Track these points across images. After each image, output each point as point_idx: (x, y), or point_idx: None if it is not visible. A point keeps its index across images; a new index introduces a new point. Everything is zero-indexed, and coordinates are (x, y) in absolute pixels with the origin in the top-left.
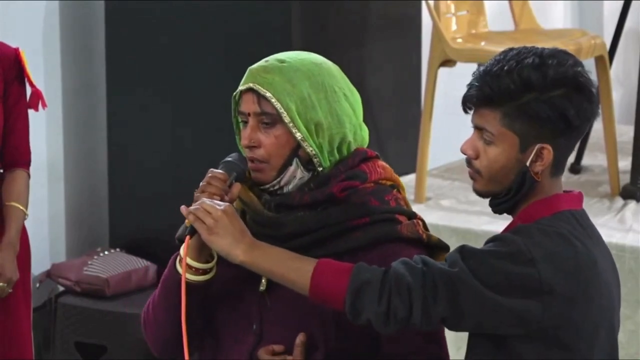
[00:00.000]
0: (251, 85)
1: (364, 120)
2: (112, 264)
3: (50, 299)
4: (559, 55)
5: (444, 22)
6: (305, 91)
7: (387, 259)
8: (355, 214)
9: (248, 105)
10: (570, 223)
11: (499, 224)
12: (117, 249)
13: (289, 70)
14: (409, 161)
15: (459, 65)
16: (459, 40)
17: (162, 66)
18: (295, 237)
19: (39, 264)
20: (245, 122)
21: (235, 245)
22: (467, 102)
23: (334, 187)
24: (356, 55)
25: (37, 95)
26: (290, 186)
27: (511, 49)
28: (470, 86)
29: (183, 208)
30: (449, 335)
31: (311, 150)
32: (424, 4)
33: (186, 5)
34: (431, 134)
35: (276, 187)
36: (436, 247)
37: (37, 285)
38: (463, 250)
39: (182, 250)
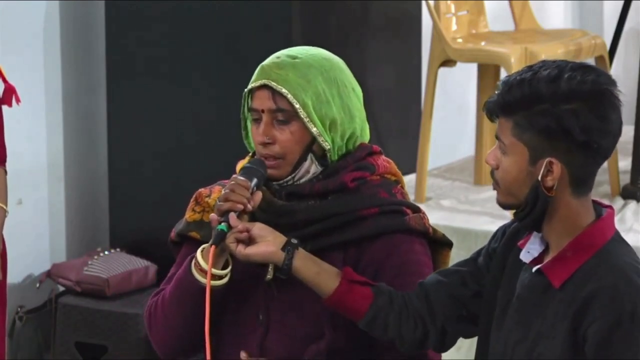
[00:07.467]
0: (265, 81)
1: None
2: (112, 264)
3: (50, 299)
4: (582, 70)
5: (444, 22)
6: (319, 87)
7: (393, 248)
8: (365, 204)
9: (262, 101)
10: (628, 247)
11: (499, 224)
12: (118, 249)
13: (303, 66)
14: (409, 161)
15: (459, 65)
16: (459, 40)
17: (162, 66)
18: (306, 225)
19: (39, 264)
20: (257, 120)
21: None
22: (487, 111)
23: (345, 177)
24: (356, 55)
25: (10, 91)
26: (303, 180)
27: (543, 61)
28: (492, 95)
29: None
30: None
31: (326, 145)
32: (424, 4)
33: (186, 5)
34: (431, 134)
35: (290, 182)
36: (440, 242)
37: (38, 285)
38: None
39: (198, 254)
